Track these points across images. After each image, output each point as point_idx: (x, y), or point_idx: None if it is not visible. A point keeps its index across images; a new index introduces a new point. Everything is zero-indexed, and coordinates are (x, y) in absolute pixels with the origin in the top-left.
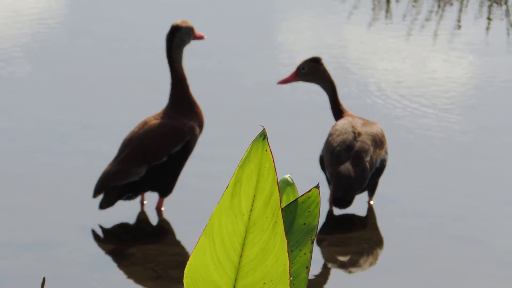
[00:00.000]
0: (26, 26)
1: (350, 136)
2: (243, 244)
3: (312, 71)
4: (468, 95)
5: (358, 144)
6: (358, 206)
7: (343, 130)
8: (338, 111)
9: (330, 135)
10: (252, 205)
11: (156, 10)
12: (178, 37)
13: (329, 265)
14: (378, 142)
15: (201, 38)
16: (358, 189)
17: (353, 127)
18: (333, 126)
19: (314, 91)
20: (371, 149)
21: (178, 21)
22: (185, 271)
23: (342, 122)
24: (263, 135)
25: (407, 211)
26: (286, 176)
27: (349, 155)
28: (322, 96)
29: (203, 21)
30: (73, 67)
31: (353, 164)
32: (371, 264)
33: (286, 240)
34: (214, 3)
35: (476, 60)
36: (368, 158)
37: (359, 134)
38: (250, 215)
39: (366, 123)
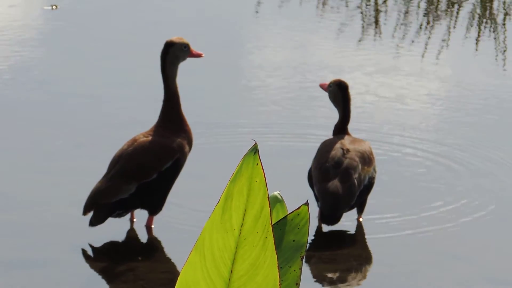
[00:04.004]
0: (13, 44)
1: (339, 153)
2: (234, 260)
3: (333, 93)
4: (460, 111)
5: (346, 161)
6: (348, 223)
7: (332, 146)
8: (341, 133)
9: (318, 151)
10: (243, 220)
11: (146, 28)
12: (172, 53)
13: (319, 282)
14: (367, 159)
15: (198, 56)
16: (346, 206)
17: (341, 143)
18: (321, 143)
19: (305, 108)
20: (360, 166)
21: (173, 37)
22: (175, 287)
23: (330, 139)
24: (254, 149)
25: (396, 228)
26: (276, 193)
27: (338, 172)
28: (312, 113)
29: (193, 40)
30: (63, 86)
31: (341, 181)
32: (360, 281)
33: (276, 256)
34: (205, 22)
35: (464, 76)
36: (356, 175)
37: (348, 150)
38: (240, 230)
39: (354, 140)
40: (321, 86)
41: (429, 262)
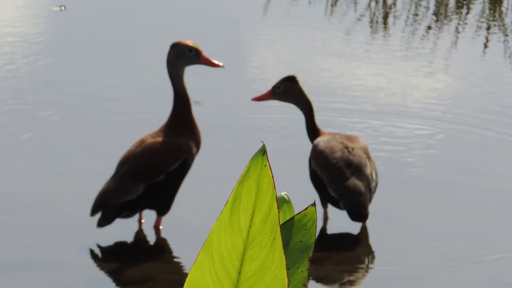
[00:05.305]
0: (21, 45)
1: (345, 152)
2: (242, 261)
3: (288, 90)
4: (462, 113)
5: (355, 159)
6: (355, 224)
7: (335, 146)
8: (314, 130)
9: (321, 152)
10: (251, 221)
11: (154, 29)
12: (171, 54)
13: (327, 283)
14: (369, 154)
15: (213, 65)
16: (370, 201)
17: (342, 143)
18: (317, 145)
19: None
20: (367, 161)
21: (187, 40)
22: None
23: (325, 139)
24: (262, 151)
25: (405, 229)
26: (283, 194)
27: (351, 171)
28: (319, 115)
29: (201, 41)
30: (70, 86)
31: (358, 178)
32: (366, 283)
33: (284, 257)
34: (212, 24)
35: (471, 78)
36: (368, 171)
37: (352, 148)
38: (249, 231)
39: (349, 137)
40: (258, 98)
41: (436, 265)
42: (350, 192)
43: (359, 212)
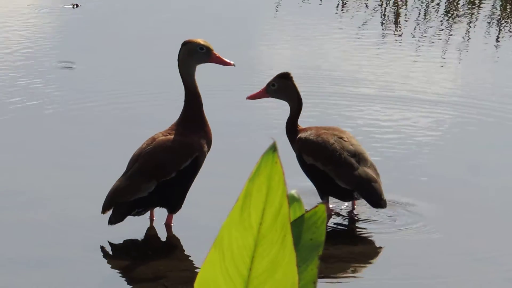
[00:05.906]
0: (34, 42)
1: (343, 142)
2: (253, 257)
3: (283, 87)
4: (475, 112)
5: (356, 147)
6: (365, 221)
7: (329, 138)
8: (294, 127)
9: (316, 146)
10: (262, 218)
11: (165, 28)
12: (182, 52)
13: (337, 281)
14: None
15: (224, 63)
16: (381, 184)
17: (332, 135)
18: (308, 139)
19: (316, 107)
20: (364, 149)
21: (198, 39)
22: (194, 284)
23: (312, 133)
24: (273, 148)
25: (418, 227)
26: (292, 192)
27: (357, 160)
28: (328, 112)
29: (212, 39)
30: (80, 83)
31: (366, 166)
32: (379, 280)
33: (295, 254)
34: (223, 22)
35: (482, 76)
36: (369, 157)
37: (347, 138)
38: (259, 228)
39: (333, 129)
40: (253, 97)
41: (450, 262)
42: (365, 181)
43: (379, 199)
